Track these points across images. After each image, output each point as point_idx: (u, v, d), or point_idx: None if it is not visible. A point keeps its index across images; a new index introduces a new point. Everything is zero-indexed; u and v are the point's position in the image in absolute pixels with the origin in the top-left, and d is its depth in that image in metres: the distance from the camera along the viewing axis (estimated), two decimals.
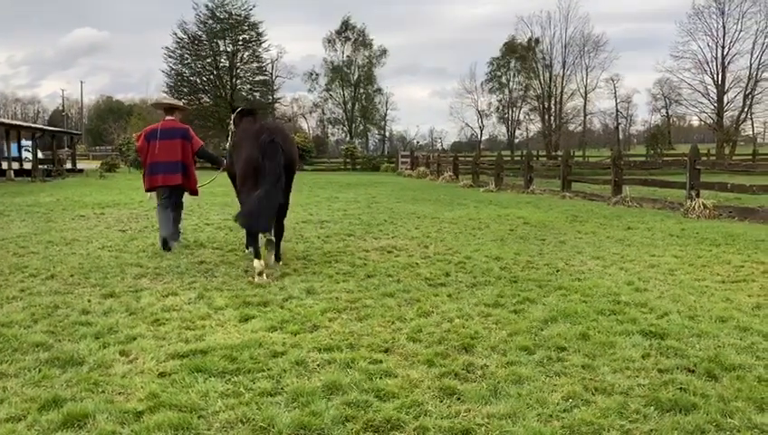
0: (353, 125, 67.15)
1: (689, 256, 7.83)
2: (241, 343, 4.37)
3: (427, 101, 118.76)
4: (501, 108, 69.94)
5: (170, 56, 53.50)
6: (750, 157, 44.67)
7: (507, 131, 70.93)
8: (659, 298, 5.64)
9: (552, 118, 66.55)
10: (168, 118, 8.88)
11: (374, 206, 15.06)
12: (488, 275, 6.76)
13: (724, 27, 56.88)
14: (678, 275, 6.69)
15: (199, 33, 53.23)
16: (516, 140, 70.61)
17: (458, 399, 3.48)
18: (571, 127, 69.83)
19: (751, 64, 56.62)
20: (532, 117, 70.23)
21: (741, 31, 56.60)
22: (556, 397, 3.47)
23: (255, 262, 6.56)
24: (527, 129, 72.46)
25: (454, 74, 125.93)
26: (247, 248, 7.74)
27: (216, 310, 5.30)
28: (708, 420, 3.19)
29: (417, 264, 7.40)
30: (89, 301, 5.55)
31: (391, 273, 6.83)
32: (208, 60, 53.85)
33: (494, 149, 60.40)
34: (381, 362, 4.03)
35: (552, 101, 66.17)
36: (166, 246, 8.30)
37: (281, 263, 7.27)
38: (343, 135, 69.49)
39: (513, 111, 69.31)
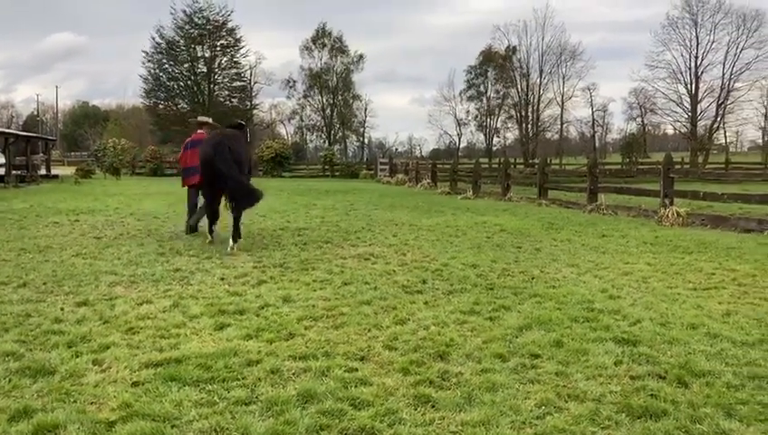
0: (332, 131, 67.11)
1: (662, 263, 7.95)
2: (216, 351, 4.35)
3: (407, 109, 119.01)
4: (479, 116, 70.36)
5: (148, 61, 53.22)
6: (723, 165, 45.40)
7: (485, 139, 71.35)
8: (632, 305, 5.72)
9: (530, 126, 67.09)
10: (199, 131, 11.31)
11: (352, 213, 15.05)
12: (465, 282, 6.80)
13: (697, 38, 57.94)
14: (651, 282, 6.79)
15: (177, 38, 52.96)
16: (494, 148, 71.04)
17: (433, 406, 3.49)
18: (548, 135, 70.42)
19: (723, 74, 57.72)
20: (509, 125, 70.76)
21: (713, 42, 57.73)
22: (529, 404, 3.51)
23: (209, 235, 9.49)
24: (505, 137, 72.98)
25: (433, 82, 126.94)
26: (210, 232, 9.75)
27: (191, 318, 5.27)
28: (678, 426, 3.24)
29: (394, 271, 7.42)
30: (62, 309, 5.48)
31: (368, 280, 6.84)
32: (186, 65, 53.56)
33: (473, 156, 60.76)
34: (357, 370, 4.04)
35: (530, 110, 66.72)
36: (193, 230, 10.53)
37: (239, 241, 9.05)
38: (322, 141, 69.43)
39: (490, 119, 69.76)
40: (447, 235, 10.92)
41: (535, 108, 66.58)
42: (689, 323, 5.09)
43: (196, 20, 52.87)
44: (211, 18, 53.23)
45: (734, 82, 57.72)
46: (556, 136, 70.70)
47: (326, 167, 46.34)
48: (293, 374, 3.96)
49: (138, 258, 8.13)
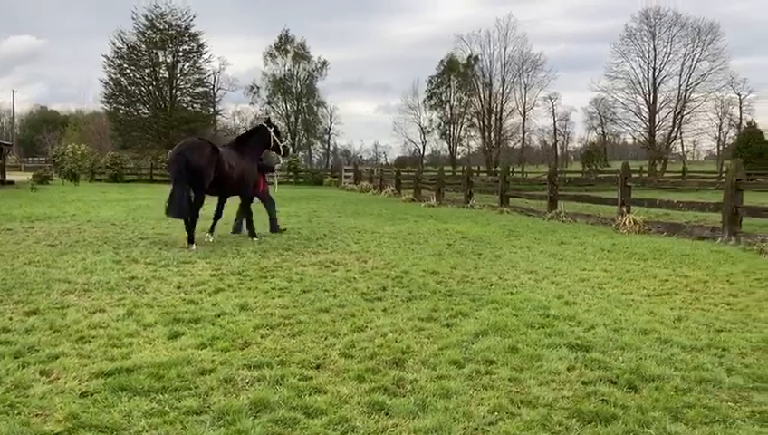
0: (296, 138, 66.85)
1: (618, 270, 8.09)
2: (169, 360, 4.28)
3: (372, 116, 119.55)
4: (442, 124, 70.86)
5: (109, 65, 52.31)
6: (680, 174, 46.46)
7: (449, 147, 71.84)
8: (587, 311, 5.80)
9: (492, 134, 67.82)
10: None
11: (315, 220, 15.00)
12: (424, 289, 6.82)
13: (654, 49, 59.52)
14: (607, 288, 6.90)
15: (138, 42, 52.17)
16: (458, 156, 71.62)
17: (386, 414, 3.49)
18: (511, 143, 71.33)
19: (680, 85, 59.37)
20: (472, 133, 71.42)
21: (670, 53, 59.39)
22: (482, 410, 3.53)
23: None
24: (469, 145, 73.64)
25: (398, 90, 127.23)
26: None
27: (144, 327, 5.18)
28: (626, 431, 3.30)
29: (354, 278, 7.41)
30: (10, 319, 5.33)
31: (328, 288, 6.81)
32: (147, 70, 52.78)
33: (437, 164, 61.17)
34: (312, 378, 4.01)
35: (493, 118, 67.47)
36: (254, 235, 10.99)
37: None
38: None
39: (453, 128, 70.31)
40: (409, 242, 10.95)
41: (498, 117, 67.37)
42: (642, 328, 5.18)
43: (158, 25, 52.18)
44: (173, 23, 52.61)
45: (691, 93, 59.46)
46: (519, 145, 71.70)
47: (290, 173, 46.08)
48: (247, 383, 3.92)
49: (93, 266, 7.96)
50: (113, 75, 52.55)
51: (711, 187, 15.38)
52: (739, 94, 66.54)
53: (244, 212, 11.31)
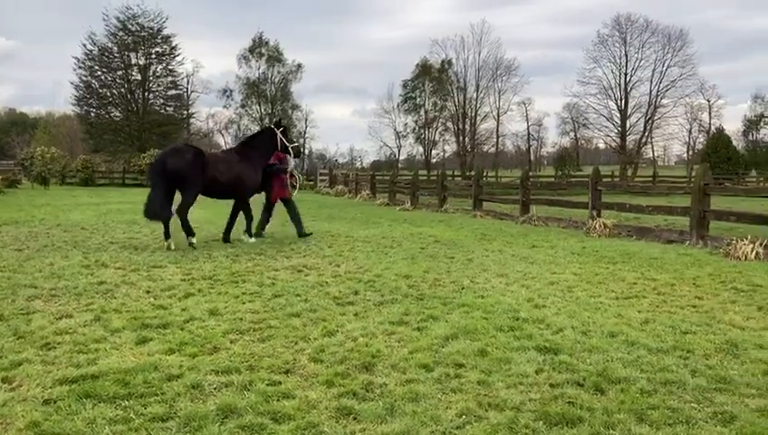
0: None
1: (587, 273, 8.18)
2: (135, 366, 4.23)
3: (348, 120, 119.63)
4: (417, 128, 71.06)
5: (80, 68, 51.58)
6: (651, 179, 47.17)
7: (424, 151, 72.07)
8: (556, 314, 5.85)
9: (467, 139, 68.21)
10: None
11: (288, 224, 14.88)
12: (396, 293, 6.83)
13: (626, 55, 60.44)
14: (576, 291, 6.97)
15: (110, 44, 51.52)
16: (433, 160, 71.83)
17: (355, 418, 3.49)
18: (485, 148, 71.81)
19: (651, 91, 60.38)
20: (447, 138, 71.74)
21: (641, 59, 60.38)
22: (450, 414, 3.54)
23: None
24: (444, 149, 73.95)
25: (374, 94, 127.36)
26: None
27: (112, 332, 5.11)
28: (592, 433, 3.33)
29: (326, 283, 7.39)
30: None
31: (300, 292, 6.79)
32: (119, 72, 52.13)
33: (413, 168, 61.27)
34: (281, 383, 3.99)
35: (467, 123, 67.86)
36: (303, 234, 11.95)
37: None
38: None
39: (428, 132, 70.56)
40: (383, 246, 10.96)
41: (473, 121, 67.78)
42: (609, 331, 5.24)
43: (130, 27, 51.61)
44: (145, 25, 52.07)
45: (661, 99, 60.48)
46: (493, 149, 72.23)
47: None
48: (215, 389, 3.89)
49: (61, 271, 7.84)
50: (84, 77, 51.92)
51: (680, 191, 15.62)
52: (708, 100, 67.91)
53: (245, 214, 11.38)
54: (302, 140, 71.14)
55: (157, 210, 10.10)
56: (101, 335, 5.01)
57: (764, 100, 65.87)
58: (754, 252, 9.69)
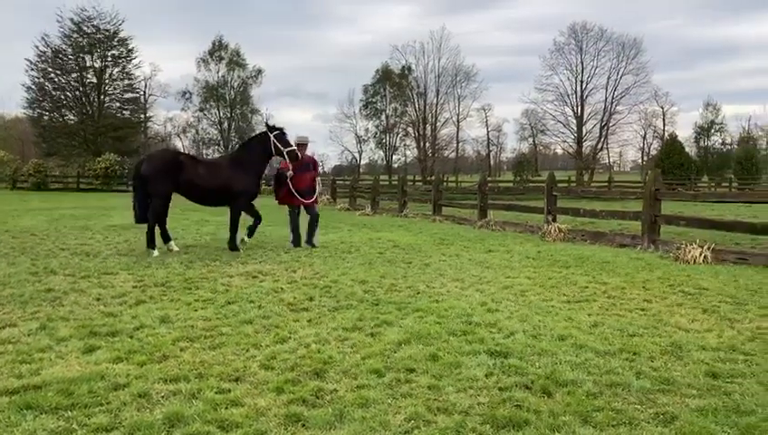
0: (229, 146, 65.81)
1: (541, 277, 8.29)
2: (81, 376, 4.14)
3: (310, 125, 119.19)
4: (378, 133, 71.16)
5: (32, 69, 50.22)
6: (606, 183, 48.12)
7: (385, 156, 72.20)
8: (509, 318, 5.93)
9: (428, 144, 68.60)
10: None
11: (245, 229, 14.77)
12: (351, 298, 6.82)
13: (582, 63, 61.56)
14: (529, 295, 7.07)
15: (64, 46, 50.31)
16: (395, 165, 72.04)
17: (303, 425, 3.47)
18: (446, 153, 72.33)
19: (606, 98, 61.61)
20: (407, 143, 72.01)
21: (597, 67, 61.60)
22: (399, 419, 3.56)
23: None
24: (405, 154, 74.21)
25: (335, 99, 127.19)
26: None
27: (58, 341, 5.00)
28: None
29: (281, 289, 7.34)
30: None
31: (253, 299, 6.73)
32: (74, 75, 50.90)
33: (374, 173, 61.32)
34: (230, 391, 3.95)
35: (428, 128, 68.25)
36: (298, 244, 11.59)
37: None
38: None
39: (389, 137, 70.73)
40: (341, 251, 10.94)
41: (433, 127, 68.21)
42: (559, 334, 5.33)
43: (85, 29, 50.45)
44: (101, 27, 51.00)
45: (616, 106, 61.78)
46: (453, 154, 72.79)
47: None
48: (162, 397, 3.83)
49: (6, 278, 7.64)
50: (37, 80, 50.51)
51: (632, 196, 15.96)
52: (662, 107, 69.77)
53: (231, 223, 11.01)
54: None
55: (139, 215, 10.46)
56: (47, 344, 4.89)
57: (715, 107, 67.90)
58: (703, 256, 9.96)
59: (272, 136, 11.06)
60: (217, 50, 64.78)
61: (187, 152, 11.53)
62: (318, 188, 12.54)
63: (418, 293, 7.19)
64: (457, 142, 71.99)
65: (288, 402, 3.77)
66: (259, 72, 66.04)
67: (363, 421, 3.50)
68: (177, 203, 11.52)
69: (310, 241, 11.69)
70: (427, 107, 67.44)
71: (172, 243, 10.73)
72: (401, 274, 8.54)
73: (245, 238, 11.13)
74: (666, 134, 66.17)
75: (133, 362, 4.49)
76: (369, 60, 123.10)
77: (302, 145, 11.90)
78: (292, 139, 11.50)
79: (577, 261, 9.75)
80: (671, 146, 54.76)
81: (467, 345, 4.98)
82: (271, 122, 11.34)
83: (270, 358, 4.62)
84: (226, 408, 3.67)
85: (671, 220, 12.10)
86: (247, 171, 10.94)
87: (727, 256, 10.11)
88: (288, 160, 11.22)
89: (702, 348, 4.99)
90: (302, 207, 11.95)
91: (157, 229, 10.48)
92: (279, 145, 11.05)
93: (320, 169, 12.39)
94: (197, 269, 8.61)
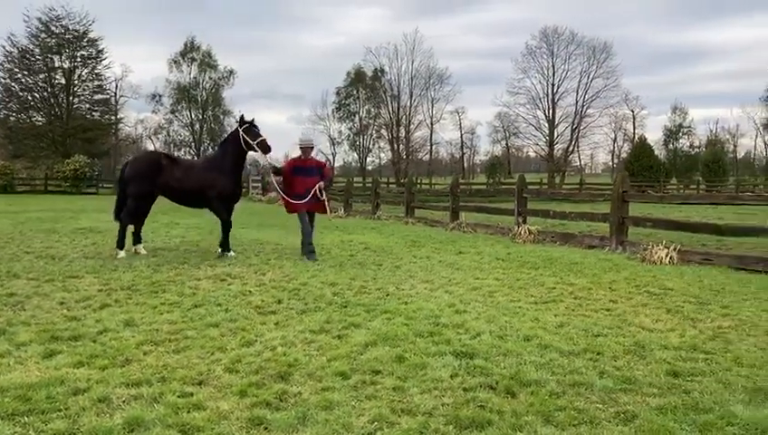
0: (201, 148, 65.23)
1: (510, 278, 8.35)
2: (40, 381, 4.06)
3: (284, 127, 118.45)
4: (351, 135, 71.10)
5: None
6: (578, 186, 48.68)
7: (359, 158, 72.19)
8: (476, 319, 5.95)
9: (401, 146, 68.75)
10: (301, 157, 11.09)
11: (216, 232, 14.60)
12: (320, 301, 6.80)
13: (553, 66, 62.30)
14: (497, 296, 7.11)
15: (31, 46, 49.45)
16: (369, 168, 72.09)
17: (265, 429, 3.45)
18: (420, 155, 72.59)
19: (577, 101, 62.42)
20: (381, 145, 72.09)
21: (568, 70, 62.41)
22: (362, 421, 3.55)
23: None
24: (379, 156, 74.28)
25: (310, 101, 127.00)
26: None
27: (17, 346, 4.90)
28: None
29: (250, 292, 7.28)
30: None
31: (221, 302, 6.67)
32: (42, 76, 50.05)
33: (348, 175, 61.24)
34: (192, 395, 3.91)
35: (401, 131, 68.39)
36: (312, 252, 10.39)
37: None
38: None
39: (362, 139, 70.71)
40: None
41: (407, 129, 68.38)
42: (525, 335, 5.37)
43: (54, 28, 49.68)
44: (70, 27, 50.24)
45: (587, 109, 62.61)
46: (427, 157, 73.07)
47: None
48: (123, 402, 3.78)
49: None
50: (3, 80, 49.64)
51: (601, 198, 16.18)
52: (633, 111, 70.80)
53: (222, 226, 10.59)
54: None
55: (116, 213, 10.71)
56: (6, 350, 4.79)
57: (682, 111, 69.12)
58: (669, 256, 10.12)
59: (240, 130, 10.39)
60: (189, 51, 64.22)
61: (171, 154, 11.29)
62: (320, 196, 11.05)
63: (388, 295, 7.19)
64: (431, 145, 72.37)
65: (251, 406, 3.74)
66: (231, 73, 65.64)
67: (326, 424, 3.49)
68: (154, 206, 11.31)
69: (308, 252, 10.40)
70: (401, 109, 67.61)
71: (140, 246, 10.64)
72: (371, 276, 8.54)
73: (219, 249, 10.55)
74: (636, 137, 67.17)
75: (95, 366, 4.42)
76: (344, 62, 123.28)
77: (307, 148, 11.10)
78: (285, 140, 11.49)
79: (546, 262, 9.84)
80: (641, 149, 55.61)
81: (434, 346, 4.99)
82: (248, 118, 10.59)
83: (235, 361, 4.58)
84: (188, 412, 3.63)
85: (638, 222, 12.28)
86: (222, 171, 10.38)
87: (693, 256, 10.29)
88: (262, 153, 10.44)
89: (664, 347, 5.06)
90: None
91: (130, 230, 10.46)
92: (248, 139, 10.30)
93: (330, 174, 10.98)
94: (165, 272, 8.51)
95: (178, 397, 3.85)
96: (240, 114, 10.64)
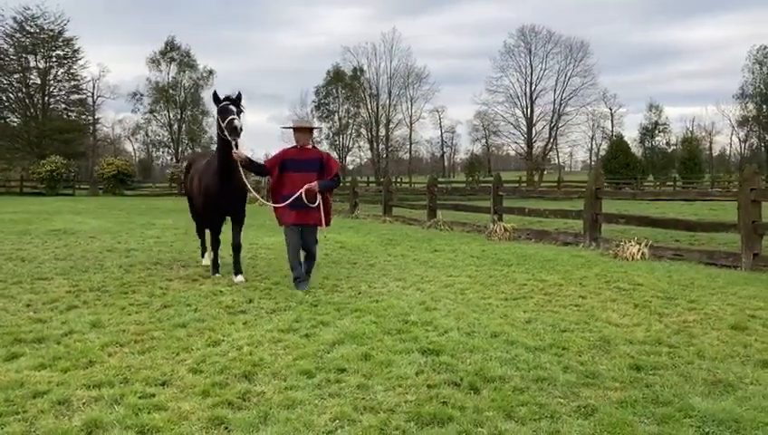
0: (180, 148, 64.75)
1: (482, 275, 8.38)
2: None
3: (264, 126, 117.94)
4: (330, 135, 71.00)
5: None
6: (556, 184, 49.01)
7: (339, 157, 72.03)
8: (445, 316, 5.97)
9: (381, 145, 68.77)
10: (299, 145, 8.03)
11: (191, 232, 14.53)
12: (291, 300, 6.78)
13: (531, 65, 62.74)
14: (468, 293, 7.13)
15: (5, 46, 48.82)
16: (350, 167, 72.03)
17: (226, 428, 3.44)
18: (400, 154, 72.67)
19: (555, 99, 62.86)
20: (361, 144, 72.05)
21: (546, 69, 62.87)
22: (324, 419, 3.54)
23: None
24: (360, 155, 74.25)
25: (289, 100, 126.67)
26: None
27: None
28: (460, 431, 3.41)
29: (221, 292, 7.24)
30: None
31: (191, 302, 6.63)
32: (16, 76, 49.45)
33: None
34: (154, 395, 3.88)
35: (381, 129, 68.42)
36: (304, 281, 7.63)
37: None
38: (169, 158, 66.78)
39: (342, 138, 70.62)
40: (285, 253, 10.82)
41: (387, 128, 68.42)
42: (493, 331, 5.39)
43: (28, 28, 49.11)
44: (45, 27, 49.67)
45: (565, 107, 63.06)
46: (407, 155, 73.15)
47: (173, 185, 44.58)
48: (83, 404, 3.74)
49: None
50: None
51: (575, 195, 16.28)
52: (610, 109, 71.44)
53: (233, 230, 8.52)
54: (213, 146, 69.58)
55: None
56: None
57: (658, 108, 69.93)
58: (640, 252, 10.23)
59: (217, 115, 7.76)
60: (169, 51, 63.70)
61: (205, 153, 9.92)
62: (311, 203, 7.71)
63: (359, 293, 7.19)
64: (411, 144, 72.43)
65: (213, 405, 3.72)
66: (210, 72, 65.28)
67: (288, 422, 3.48)
68: (124, 207, 11.21)
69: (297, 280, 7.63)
70: (380, 108, 67.64)
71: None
72: (345, 274, 8.53)
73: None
74: (613, 135, 67.81)
75: (57, 368, 4.37)
76: (323, 61, 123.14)
77: (302, 131, 8.05)
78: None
79: (519, 259, 9.89)
80: (618, 146, 56.18)
81: (401, 344, 4.99)
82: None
83: (200, 361, 4.56)
84: (149, 413, 3.60)
85: (611, 218, 12.39)
86: (208, 168, 8.37)
87: (665, 252, 10.41)
88: (228, 136, 7.48)
89: (629, 342, 5.11)
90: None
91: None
92: (221, 121, 7.61)
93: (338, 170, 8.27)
94: (136, 273, 8.44)
95: (140, 398, 3.82)
96: (213, 90, 8.09)
